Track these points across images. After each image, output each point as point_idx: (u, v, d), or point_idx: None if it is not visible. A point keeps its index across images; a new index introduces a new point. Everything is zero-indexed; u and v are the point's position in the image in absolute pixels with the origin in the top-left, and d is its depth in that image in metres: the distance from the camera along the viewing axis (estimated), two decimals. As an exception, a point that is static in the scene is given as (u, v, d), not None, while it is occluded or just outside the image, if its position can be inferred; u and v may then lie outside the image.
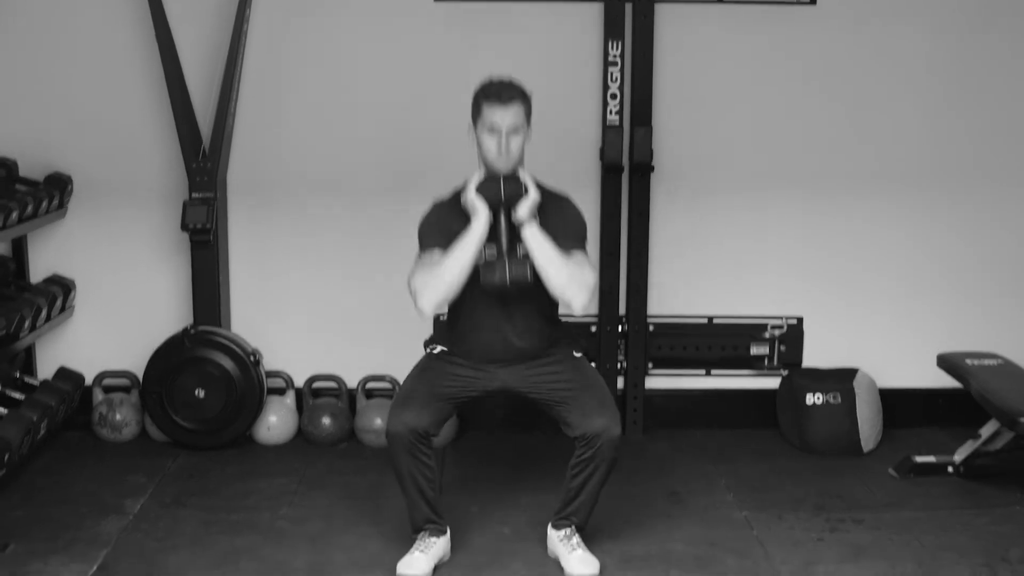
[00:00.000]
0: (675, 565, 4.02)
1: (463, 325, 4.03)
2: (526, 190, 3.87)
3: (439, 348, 4.11)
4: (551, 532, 4.05)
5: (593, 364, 5.12)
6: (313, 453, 5.05)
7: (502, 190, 3.86)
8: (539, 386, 4.01)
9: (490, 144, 3.88)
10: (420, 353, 4.16)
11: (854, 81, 5.15)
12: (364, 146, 5.13)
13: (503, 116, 3.85)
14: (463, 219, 3.89)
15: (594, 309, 5.20)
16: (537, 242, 3.84)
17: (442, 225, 3.94)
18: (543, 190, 3.94)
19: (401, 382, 5.08)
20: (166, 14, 4.89)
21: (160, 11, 4.88)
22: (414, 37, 5.05)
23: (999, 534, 4.26)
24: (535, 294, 3.89)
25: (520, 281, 3.82)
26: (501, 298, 3.93)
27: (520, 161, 3.93)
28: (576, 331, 4.79)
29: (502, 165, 3.88)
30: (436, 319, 4.29)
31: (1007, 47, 5.15)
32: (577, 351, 4.12)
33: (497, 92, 3.88)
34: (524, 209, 3.85)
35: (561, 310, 4.07)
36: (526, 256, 3.86)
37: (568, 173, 5.05)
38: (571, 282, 3.83)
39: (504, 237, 3.89)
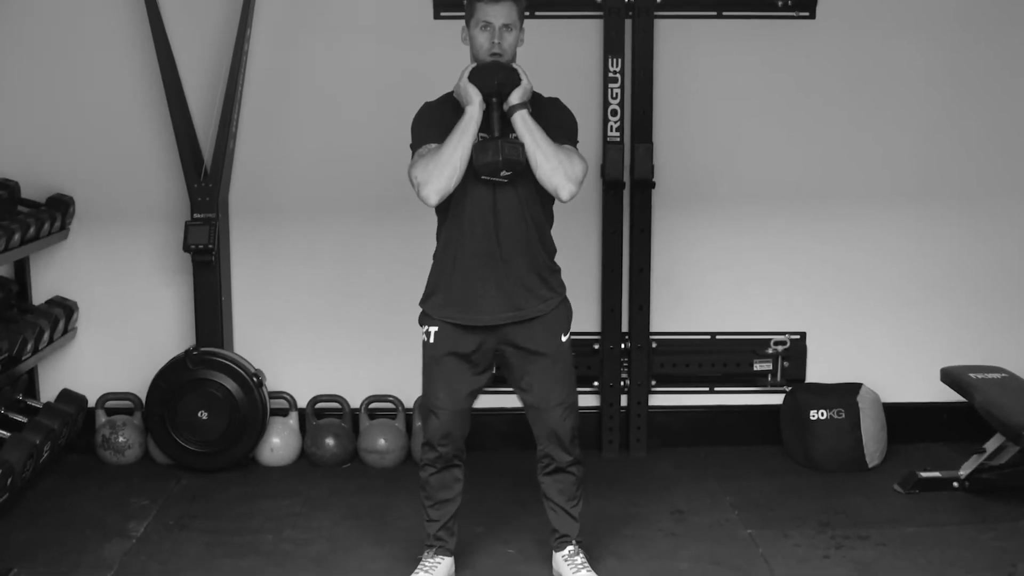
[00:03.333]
0: (680, 584, 4.02)
1: (454, 274, 3.86)
2: (519, 78, 3.78)
3: (432, 330, 3.89)
4: (555, 555, 4.05)
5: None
6: (316, 474, 5.04)
7: (495, 76, 3.76)
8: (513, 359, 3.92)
9: (482, 40, 3.78)
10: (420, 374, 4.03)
11: (855, 94, 5.15)
12: (366, 165, 5.12)
13: (496, 13, 3.77)
14: (456, 113, 3.79)
15: (596, 327, 5.19)
16: (528, 127, 3.74)
17: (435, 118, 3.85)
18: (534, 92, 3.84)
19: (404, 403, 5.13)
20: (168, 36, 4.91)
21: (162, 33, 4.90)
22: (415, 55, 5.04)
23: (1004, 549, 4.25)
24: (529, 240, 3.82)
25: (513, 161, 3.72)
26: (496, 240, 3.80)
27: (513, 61, 3.84)
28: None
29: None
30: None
31: (1006, 59, 5.15)
32: (564, 334, 3.93)
33: None
34: (516, 95, 3.76)
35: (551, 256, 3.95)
36: (518, 139, 3.76)
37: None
38: (560, 168, 3.73)
39: (497, 125, 3.78)
